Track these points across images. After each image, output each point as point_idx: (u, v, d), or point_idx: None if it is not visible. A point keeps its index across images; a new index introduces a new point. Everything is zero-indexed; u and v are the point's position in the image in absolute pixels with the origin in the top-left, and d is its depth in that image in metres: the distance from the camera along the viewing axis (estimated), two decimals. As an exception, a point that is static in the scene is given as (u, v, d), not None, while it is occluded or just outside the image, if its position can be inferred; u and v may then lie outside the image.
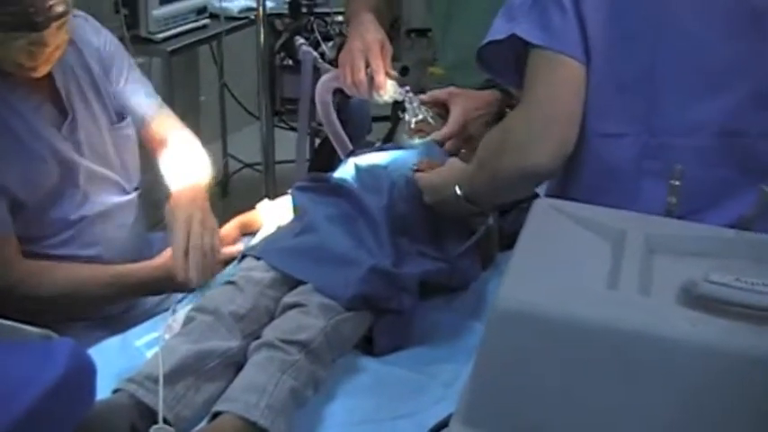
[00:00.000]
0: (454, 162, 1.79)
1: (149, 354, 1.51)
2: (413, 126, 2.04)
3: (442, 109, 2.04)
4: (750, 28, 1.42)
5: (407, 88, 2.09)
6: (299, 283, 1.58)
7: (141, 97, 2.07)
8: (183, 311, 1.60)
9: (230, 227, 2.00)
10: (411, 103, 2.05)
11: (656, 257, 1.08)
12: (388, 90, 2.05)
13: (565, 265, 1.04)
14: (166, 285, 1.82)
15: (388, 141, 2.37)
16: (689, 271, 1.02)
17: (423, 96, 2.07)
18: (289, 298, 1.55)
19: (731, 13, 1.42)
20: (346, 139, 2.42)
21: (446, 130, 1.95)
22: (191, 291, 1.75)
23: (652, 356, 0.92)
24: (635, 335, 0.92)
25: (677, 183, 1.24)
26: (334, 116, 2.34)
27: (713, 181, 1.45)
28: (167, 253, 1.81)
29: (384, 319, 1.58)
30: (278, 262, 1.63)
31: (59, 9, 1.70)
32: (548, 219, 1.14)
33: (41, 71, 1.78)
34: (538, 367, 0.95)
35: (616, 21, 1.43)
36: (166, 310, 1.68)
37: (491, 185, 1.58)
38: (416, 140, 2.03)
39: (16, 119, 1.78)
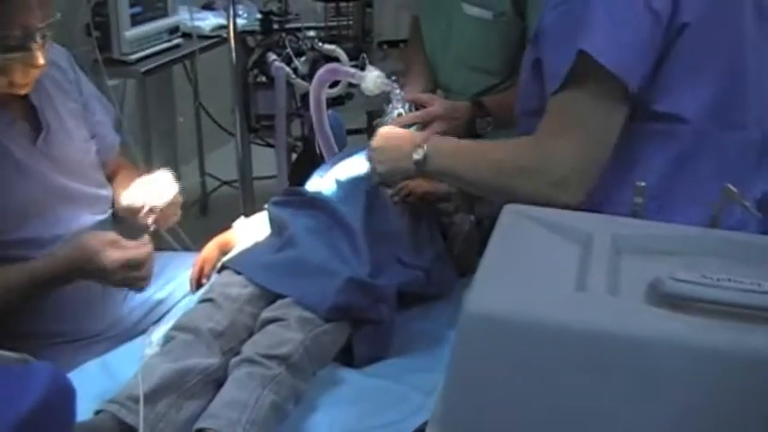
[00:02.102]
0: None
1: (130, 375, 1.51)
2: (395, 116, 2.11)
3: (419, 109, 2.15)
4: None
5: (394, 78, 2.15)
6: (277, 298, 1.59)
7: (107, 128, 2.11)
8: (161, 330, 1.61)
9: (210, 247, 2.01)
10: (396, 94, 2.11)
11: (623, 258, 1.10)
12: (375, 81, 2.10)
13: (533, 269, 1.05)
14: (78, 273, 1.77)
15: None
16: (656, 270, 1.03)
17: (406, 95, 2.17)
18: (267, 313, 1.56)
19: None
20: (333, 139, 2.43)
21: (421, 113, 2.09)
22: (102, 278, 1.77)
23: (621, 356, 0.93)
24: (603, 335, 0.93)
25: (643, 184, 1.25)
26: (324, 113, 2.35)
27: None
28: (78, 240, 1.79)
29: (363, 330, 1.59)
30: (257, 276, 1.64)
31: (48, 28, 1.75)
32: (516, 224, 1.16)
33: (29, 88, 1.81)
34: (509, 371, 0.96)
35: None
36: (145, 331, 1.69)
37: (497, 190, 1.59)
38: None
39: None
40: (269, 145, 3.47)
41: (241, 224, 2.10)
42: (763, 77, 1.57)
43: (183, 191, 1.97)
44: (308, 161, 2.68)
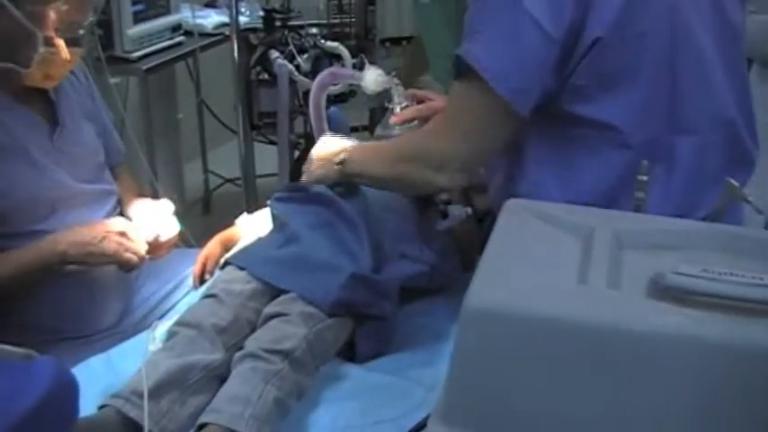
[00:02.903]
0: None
1: (133, 370, 1.52)
2: (397, 112, 2.12)
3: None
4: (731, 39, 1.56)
5: (394, 74, 2.16)
6: (280, 293, 1.59)
7: (114, 134, 2.16)
8: (164, 326, 1.61)
9: (213, 244, 2.01)
10: (397, 91, 2.13)
11: (624, 252, 1.10)
12: (376, 79, 2.12)
13: (534, 263, 1.06)
14: (69, 253, 1.82)
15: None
16: (657, 264, 1.04)
17: (404, 92, 2.16)
18: (270, 308, 1.56)
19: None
20: None
21: (422, 107, 2.08)
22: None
23: (622, 349, 0.93)
24: (604, 328, 0.93)
25: (645, 178, 1.26)
26: (324, 116, 2.36)
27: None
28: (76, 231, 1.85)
29: (365, 326, 1.59)
30: (260, 272, 1.64)
31: (86, 26, 1.87)
32: (518, 218, 1.16)
33: (57, 81, 1.87)
34: (511, 364, 0.96)
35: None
36: (149, 326, 1.70)
37: (396, 179, 1.68)
38: (397, 129, 2.11)
39: (5, 134, 1.80)
40: (272, 142, 3.48)
41: (244, 221, 2.10)
42: (716, 77, 1.55)
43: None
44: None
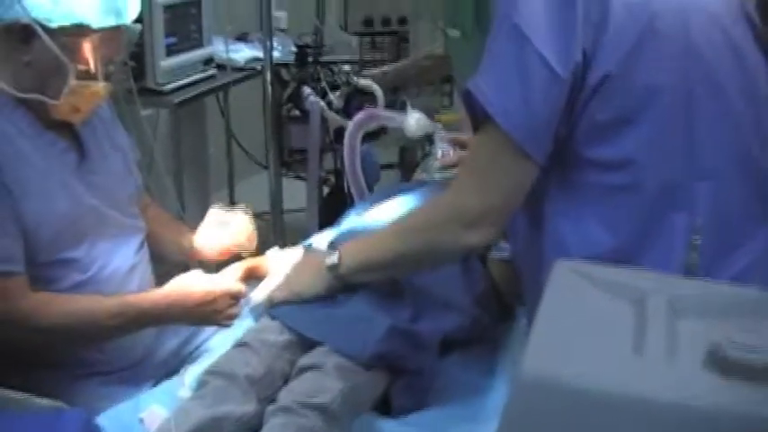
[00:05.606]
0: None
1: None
2: (439, 156, 2.11)
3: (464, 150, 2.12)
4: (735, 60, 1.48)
5: (438, 122, 2.17)
6: (315, 345, 1.56)
7: (135, 170, 2.13)
8: (194, 371, 1.58)
9: (237, 273, 1.98)
10: (439, 134, 2.13)
11: (680, 319, 1.06)
12: (419, 123, 2.11)
13: (588, 331, 1.02)
14: (171, 317, 1.83)
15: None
16: (714, 333, 1.00)
17: (447, 135, 2.18)
18: (304, 360, 1.53)
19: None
20: (363, 182, 2.42)
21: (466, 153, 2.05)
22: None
23: (679, 425, 0.90)
24: (661, 403, 0.90)
25: (698, 241, 1.22)
26: (357, 158, 2.35)
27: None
28: (174, 284, 1.84)
29: (402, 379, 1.55)
30: (294, 323, 1.60)
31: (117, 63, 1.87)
32: (568, 282, 1.12)
33: (86, 116, 1.85)
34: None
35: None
36: (179, 361, 1.67)
37: (417, 255, 1.59)
38: (439, 175, 2.09)
39: (39, 159, 1.78)
40: (300, 178, 3.46)
41: (274, 254, 2.08)
42: (737, 113, 1.48)
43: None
44: (340, 196, 2.67)
